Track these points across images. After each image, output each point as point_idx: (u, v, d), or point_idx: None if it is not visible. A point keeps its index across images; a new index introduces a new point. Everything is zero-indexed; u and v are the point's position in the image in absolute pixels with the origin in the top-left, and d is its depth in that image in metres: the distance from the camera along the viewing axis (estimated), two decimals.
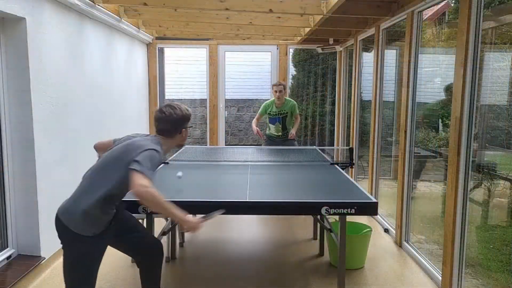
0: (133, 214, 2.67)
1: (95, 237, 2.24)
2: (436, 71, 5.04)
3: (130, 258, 3.85)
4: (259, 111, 5.74)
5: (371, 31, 5.28)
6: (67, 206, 2.27)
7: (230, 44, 7.36)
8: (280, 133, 5.67)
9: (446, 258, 3.15)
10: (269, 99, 5.76)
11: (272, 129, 5.69)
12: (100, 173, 2.31)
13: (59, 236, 2.28)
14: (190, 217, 2.28)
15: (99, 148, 2.69)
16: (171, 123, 2.45)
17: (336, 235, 3.20)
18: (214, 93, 7.41)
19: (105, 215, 2.28)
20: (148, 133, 2.47)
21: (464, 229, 3.02)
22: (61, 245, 2.29)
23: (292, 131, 5.59)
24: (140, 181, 2.07)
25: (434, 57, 5.12)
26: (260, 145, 6.04)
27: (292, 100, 5.69)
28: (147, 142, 2.33)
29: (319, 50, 7.37)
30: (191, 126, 2.49)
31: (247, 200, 2.78)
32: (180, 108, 2.47)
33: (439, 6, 4.14)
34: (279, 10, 4.53)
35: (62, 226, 2.23)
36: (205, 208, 2.79)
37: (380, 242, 4.40)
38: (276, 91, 5.47)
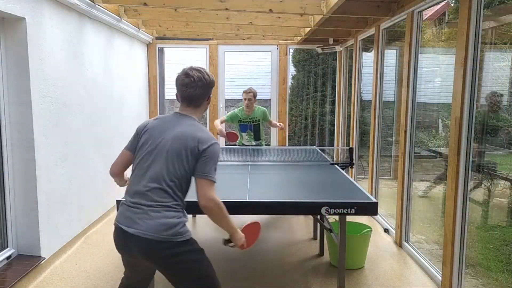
0: None
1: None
2: (436, 71, 5.04)
3: None
4: (224, 117, 5.40)
5: (371, 31, 5.28)
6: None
7: (230, 44, 7.36)
8: (253, 142, 5.41)
9: (446, 258, 3.15)
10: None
11: (244, 138, 5.41)
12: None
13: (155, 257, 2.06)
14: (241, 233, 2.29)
15: (117, 173, 2.32)
16: (202, 88, 2.18)
17: (336, 235, 3.20)
18: (214, 93, 7.40)
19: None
20: (176, 112, 2.21)
21: (464, 229, 3.02)
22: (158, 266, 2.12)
23: (275, 124, 5.42)
24: (211, 193, 2.03)
25: (434, 57, 5.13)
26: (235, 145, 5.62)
27: (262, 107, 5.41)
28: (203, 133, 2.12)
29: (319, 50, 7.37)
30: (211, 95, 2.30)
31: (247, 200, 2.78)
32: (206, 72, 2.23)
33: (439, 6, 4.14)
34: (279, 10, 4.53)
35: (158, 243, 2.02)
36: None
37: (380, 242, 4.40)
38: (245, 99, 5.17)
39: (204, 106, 2.26)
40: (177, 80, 2.20)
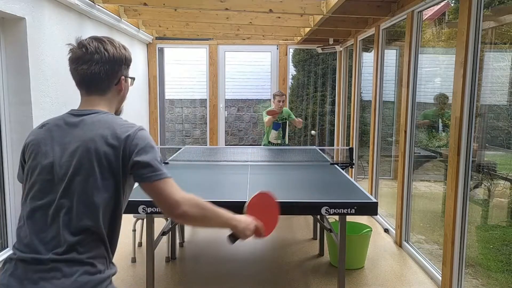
0: (132, 215, 2.67)
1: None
2: (436, 71, 5.04)
3: (130, 258, 3.86)
4: (265, 114, 5.76)
5: (371, 31, 5.27)
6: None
7: (230, 44, 7.36)
8: (279, 141, 5.77)
9: (446, 258, 3.15)
10: (268, 105, 5.84)
11: (273, 136, 5.74)
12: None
13: None
14: (248, 218, 1.69)
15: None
16: (102, 64, 1.45)
17: (336, 235, 3.20)
18: (214, 93, 7.41)
19: None
20: (71, 110, 1.50)
21: (464, 229, 3.02)
22: None
23: (297, 119, 5.76)
24: (177, 194, 1.39)
25: (434, 57, 5.12)
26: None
27: (287, 108, 5.92)
28: (115, 124, 1.43)
29: (319, 50, 7.37)
30: (133, 78, 1.62)
31: (247, 200, 2.78)
32: (113, 41, 1.52)
33: (439, 6, 4.14)
34: (279, 10, 4.53)
35: None
36: None
37: (380, 242, 4.40)
38: (279, 101, 5.58)
39: (114, 92, 1.51)
40: (69, 55, 1.48)
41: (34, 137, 1.46)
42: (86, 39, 1.48)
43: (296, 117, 5.91)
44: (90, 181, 1.35)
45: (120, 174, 1.38)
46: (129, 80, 1.58)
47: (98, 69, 1.44)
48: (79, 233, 1.35)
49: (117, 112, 1.58)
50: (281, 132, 5.75)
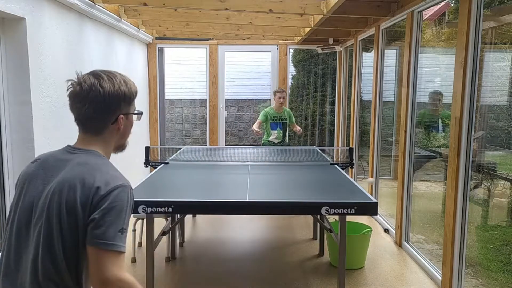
0: (132, 215, 2.67)
1: None
2: (436, 71, 5.04)
3: (130, 258, 3.86)
4: (260, 118, 5.79)
5: (371, 31, 5.27)
6: None
7: (230, 44, 7.36)
8: (279, 140, 5.80)
9: (446, 258, 3.15)
10: (268, 104, 5.90)
11: (273, 135, 5.78)
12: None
13: None
14: None
15: None
16: (96, 103, 1.35)
17: (336, 235, 3.20)
18: (214, 93, 7.41)
19: None
20: (67, 146, 1.45)
21: (464, 229, 3.02)
22: None
23: (298, 128, 5.82)
24: (113, 272, 1.23)
25: (434, 57, 5.12)
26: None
27: (288, 109, 6.01)
28: (97, 173, 1.31)
29: (319, 50, 7.37)
30: (140, 113, 1.52)
31: (247, 200, 2.78)
32: (112, 76, 1.39)
33: (439, 6, 4.14)
34: (279, 10, 4.53)
35: None
36: (205, 208, 2.80)
37: (380, 242, 4.40)
38: (280, 97, 5.68)
39: (112, 131, 1.41)
40: (68, 91, 1.39)
41: (25, 171, 1.41)
42: (85, 75, 1.37)
43: (296, 122, 5.99)
44: (56, 227, 1.26)
45: (83, 226, 1.26)
46: (133, 116, 1.48)
47: (92, 109, 1.34)
48: (45, 285, 1.27)
49: (120, 148, 1.52)
50: (281, 131, 5.79)
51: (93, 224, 1.24)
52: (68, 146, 1.43)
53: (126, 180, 1.35)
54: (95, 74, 1.37)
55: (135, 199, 2.67)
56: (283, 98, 5.73)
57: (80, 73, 1.38)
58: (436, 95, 4.65)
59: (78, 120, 1.40)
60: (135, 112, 1.49)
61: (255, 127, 5.66)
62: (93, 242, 1.23)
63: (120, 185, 1.30)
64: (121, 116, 1.40)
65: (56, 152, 1.42)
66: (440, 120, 4.76)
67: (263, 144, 5.89)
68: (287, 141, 6.00)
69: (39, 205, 1.29)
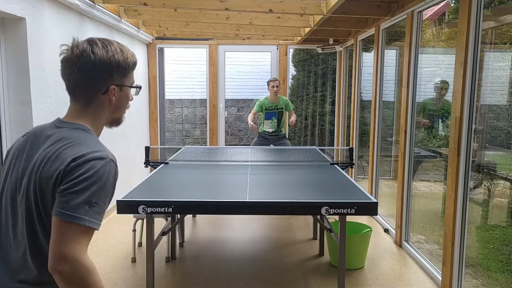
0: (132, 215, 2.67)
1: None
2: (436, 71, 5.04)
3: (130, 258, 3.85)
4: (254, 109, 5.88)
5: (371, 31, 5.27)
6: None
7: (230, 44, 7.36)
8: (274, 129, 5.84)
9: (446, 258, 3.15)
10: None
11: (267, 126, 5.85)
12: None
13: None
14: None
15: None
16: (86, 70, 1.27)
17: (336, 235, 3.20)
18: (214, 93, 7.41)
19: None
20: (57, 119, 1.35)
21: (464, 229, 3.02)
22: None
23: (292, 118, 5.83)
24: (71, 249, 1.11)
25: (434, 57, 5.12)
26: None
27: (285, 97, 6.05)
28: (75, 146, 1.22)
29: (319, 50, 7.37)
30: (137, 87, 1.43)
31: (247, 200, 2.78)
32: (107, 43, 1.32)
33: (439, 6, 4.14)
34: (279, 10, 4.53)
35: None
36: (205, 208, 2.80)
37: (380, 242, 4.40)
38: (273, 86, 5.73)
39: (102, 102, 1.32)
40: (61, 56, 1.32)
41: (15, 145, 1.34)
42: (80, 41, 1.30)
43: (296, 121, 5.99)
44: (34, 205, 1.19)
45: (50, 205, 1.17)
46: (131, 90, 1.38)
47: (81, 75, 1.26)
48: (34, 264, 1.21)
49: (115, 122, 1.40)
50: (275, 121, 5.82)
51: (59, 194, 1.14)
52: (58, 119, 1.34)
53: (108, 154, 1.23)
54: (90, 40, 1.30)
55: (135, 199, 2.68)
56: (277, 86, 5.75)
57: (77, 39, 1.31)
58: (443, 84, 4.57)
59: (68, 88, 1.33)
60: (133, 85, 1.38)
61: (249, 119, 5.72)
62: (55, 211, 1.13)
63: (97, 156, 1.19)
64: (113, 86, 1.30)
65: (44, 126, 1.33)
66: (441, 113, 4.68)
67: (259, 135, 5.92)
68: (283, 131, 6.00)
69: (22, 182, 1.23)
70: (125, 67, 1.32)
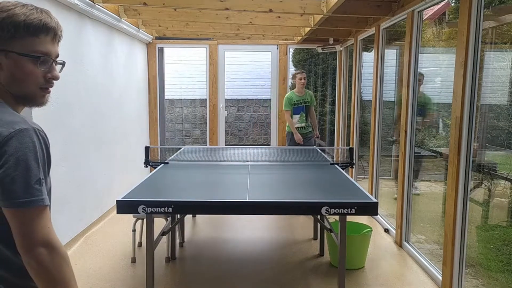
0: (132, 215, 2.66)
1: None
2: (436, 71, 5.04)
3: (130, 258, 3.85)
4: (285, 108, 5.60)
5: (371, 31, 5.27)
6: None
7: (230, 44, 7.36)
8: (303, 124, 5.61)
9: (446, 258, 3.15)
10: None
11: (295, 120, 5.62)
12: None
13: None
14: None
15: None
16: None
17: (336, 235, 3.20)
18: (214, 93, 7.41)
19: None
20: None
21: (464, 229, 3.02)
22: None
23: (315, 132, 5.71)
24: (40, 232, 1.04)
25: (434, 57, 5.12)
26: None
27: (309, 91, 5.81)
28: None
29: (319, 50, 7.36)
30: (36, 57, 1.19)
31: (247, 200, 2.78)
32: (12, 5, 1.12)
33: (439, 6, 4.14)
34: (279, 10, 4.53)
35: None
36: (205, 208, 2.79)
37: (380, 242, 4.40)
38: (301, 78, 5.52)
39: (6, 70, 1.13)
40: None
41: None
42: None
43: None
44: None
45: None
46: (33, 61, 1.15)
47: None
48: None
49: (22, 99, 1.24)
50: (304, 115, 5.60)
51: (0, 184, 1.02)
52: None
53: (26, 122, 1.09)
54: None
55: (135, 199, 2.68)
56: (304, 78, 5.52)
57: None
58: (419, 76, 4.49)
59: None
60: (27, 53, 1.12)
61: (291, 123, 5.37)
62: (6, 204, 1.02)
63: (16, 130, 1.05)
64: (2, 51, 1.09)
65: None
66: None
67: (287, 135, 5.64)
68: (310, 125, 5.73)
69: None
70: (23, 28, 1.09)
